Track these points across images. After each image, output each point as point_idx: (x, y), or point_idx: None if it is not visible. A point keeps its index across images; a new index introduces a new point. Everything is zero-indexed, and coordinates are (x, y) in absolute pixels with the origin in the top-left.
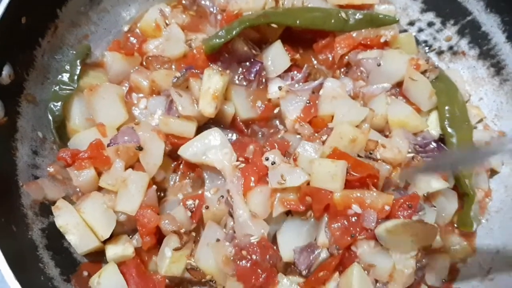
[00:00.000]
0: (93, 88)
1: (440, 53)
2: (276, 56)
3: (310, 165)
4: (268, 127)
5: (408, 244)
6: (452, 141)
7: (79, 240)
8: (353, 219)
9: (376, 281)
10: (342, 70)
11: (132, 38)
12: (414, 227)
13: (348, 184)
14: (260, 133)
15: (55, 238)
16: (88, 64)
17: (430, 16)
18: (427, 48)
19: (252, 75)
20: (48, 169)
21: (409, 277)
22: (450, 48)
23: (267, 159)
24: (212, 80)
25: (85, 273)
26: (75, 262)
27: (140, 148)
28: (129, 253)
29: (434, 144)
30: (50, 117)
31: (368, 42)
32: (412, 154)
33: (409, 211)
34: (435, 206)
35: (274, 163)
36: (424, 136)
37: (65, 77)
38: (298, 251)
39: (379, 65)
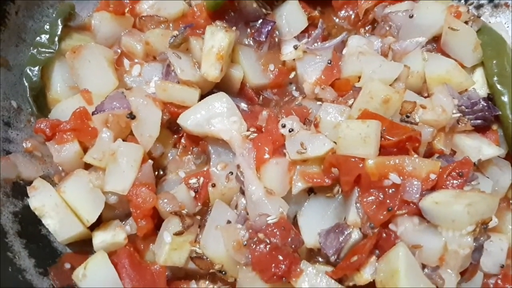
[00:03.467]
0: (76, 49)
1: (478, 7)
2: (291, 15)
3: (335, 130)
4: (283, 95)
5: (464, 218)
6: (504, 100)
7: (59, 225)
8: (391, 191)
9: (424, 266)
10: (367, 28)
11: None
12: (469, 197)
13: (383, 151)
14: (273, 101)
15: (31, 224)
16: (73, 27)
17: None
18: (463, 2)
19: (263, 36)
20: (24, 144)
21: (465, 259)
22: (491, 0)
23: (283, 126)
24: (216, 38)
25: (67, 265)
26: (55, 252)
27: (132, 116)
28: (120, 240)
29: (483, 103)
30: (26, 84)
31: None
32: (458, 115)
33: (459, 180)
34: (487, 177)
35: (292, 130)
36: (470, 96)
37: (44, 38)
38: (324, 234)
39: (411, 16)
